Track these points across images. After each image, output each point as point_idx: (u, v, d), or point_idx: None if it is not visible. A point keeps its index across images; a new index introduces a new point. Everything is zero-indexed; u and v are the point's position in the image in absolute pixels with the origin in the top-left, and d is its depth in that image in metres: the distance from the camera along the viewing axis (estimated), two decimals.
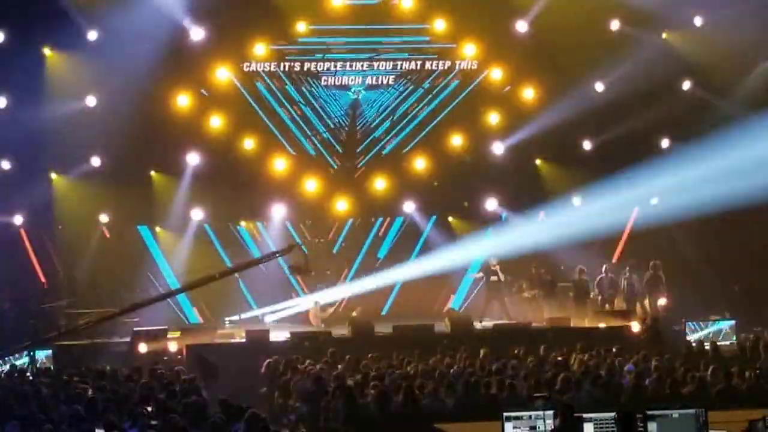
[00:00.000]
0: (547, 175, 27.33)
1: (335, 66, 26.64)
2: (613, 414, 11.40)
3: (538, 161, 27.40)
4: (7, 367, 19.00)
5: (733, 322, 22.52)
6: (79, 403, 13.46)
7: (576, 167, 26.60)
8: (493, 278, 25.14)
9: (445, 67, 26.97)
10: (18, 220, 24.90)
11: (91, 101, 24.76)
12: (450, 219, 27.73)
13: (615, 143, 26.09)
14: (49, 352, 20.55)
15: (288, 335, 21.90)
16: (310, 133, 26.95)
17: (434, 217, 27.58)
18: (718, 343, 19.80)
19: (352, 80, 26.79)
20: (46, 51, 24.34)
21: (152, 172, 25.90)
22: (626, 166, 25.08)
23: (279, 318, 25.63)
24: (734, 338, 21.68)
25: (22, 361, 19.86)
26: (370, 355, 18.37)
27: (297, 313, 25.63)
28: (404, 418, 14.02)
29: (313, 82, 26.67)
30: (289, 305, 25.93)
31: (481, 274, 25.81)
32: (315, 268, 21.78)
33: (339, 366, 17.46)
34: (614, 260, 26.59)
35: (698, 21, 26.10)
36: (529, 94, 26.85)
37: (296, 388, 15.97)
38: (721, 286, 25.46)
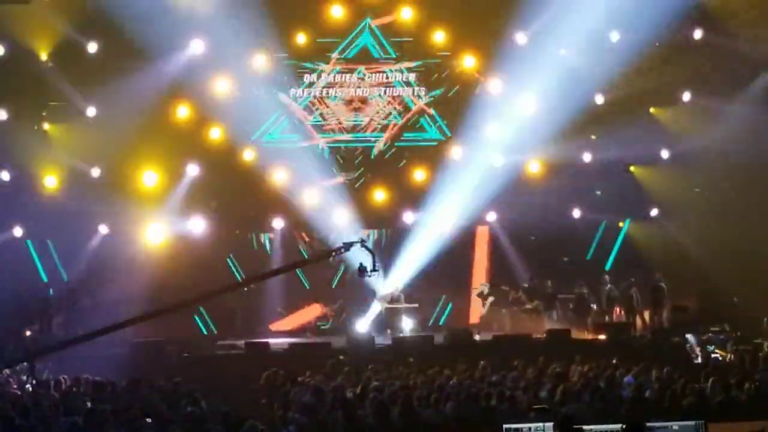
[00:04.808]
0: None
1: (334, 77, 26.67)
2: (618, 426, 11.38)
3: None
4: (7, 379, 18.94)
5: (731, 334, 22.47)
6: (78, 415, 13.43)
7: None
8: (491, 299, 25.35)
9: (444, 78, 27.00)
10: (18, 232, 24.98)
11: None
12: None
13: None
14: (48, 363, 20.48)
15: (287, 345, 21.87)
16: (309, 145, 26.95)
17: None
18: (718, 355, 19.76)
19: (350, 91, 26.82)
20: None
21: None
22: None
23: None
24: (734, 350, 21.62)
25: (22, 372, 19.78)
26: (369, 367, 18.35)
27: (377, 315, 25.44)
28: (403, 430, 13.99)
29: (313, 94, 26.67)
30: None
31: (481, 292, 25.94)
32: None
33: (338, 377, 17.43)
34: None
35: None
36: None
37: (295, 399, 15.93)
38: (721, 298, 25.39)
